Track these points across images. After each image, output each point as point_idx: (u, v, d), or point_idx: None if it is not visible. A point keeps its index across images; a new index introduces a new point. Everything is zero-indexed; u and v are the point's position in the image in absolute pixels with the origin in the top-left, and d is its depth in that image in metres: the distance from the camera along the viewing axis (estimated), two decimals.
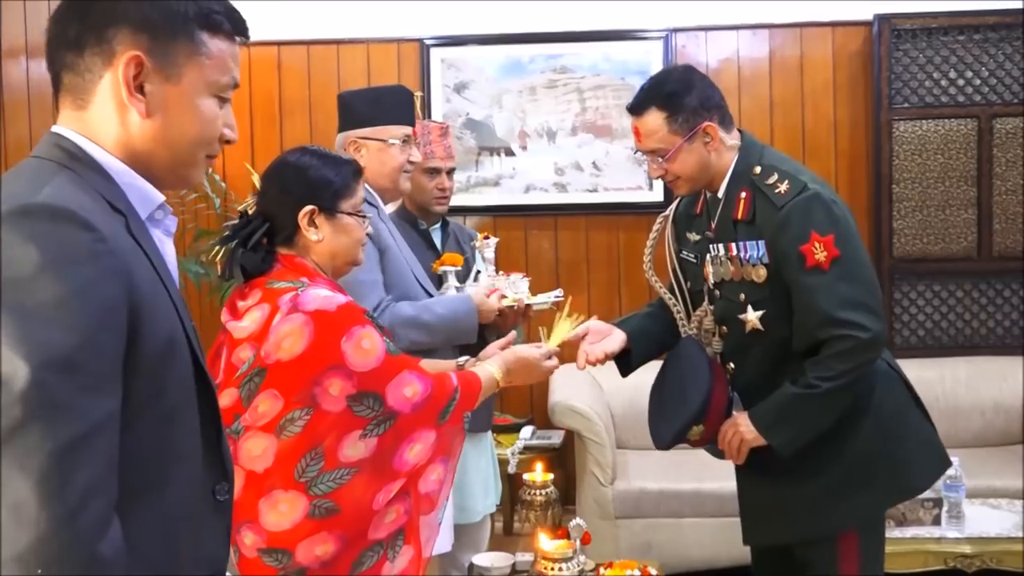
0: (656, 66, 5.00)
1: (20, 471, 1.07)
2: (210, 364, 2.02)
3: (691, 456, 4.61)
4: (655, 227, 2.80)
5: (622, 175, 5.01)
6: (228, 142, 1.38)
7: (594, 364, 2.69)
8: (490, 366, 2.35)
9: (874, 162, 4.93)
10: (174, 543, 1.27)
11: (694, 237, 2.67)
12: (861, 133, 5.02)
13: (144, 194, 1.33)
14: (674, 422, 2.57)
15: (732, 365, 2.58)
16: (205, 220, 4.64)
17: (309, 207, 2.17)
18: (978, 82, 4.87)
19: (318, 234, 2.18)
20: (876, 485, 2.48)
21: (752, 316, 2.47)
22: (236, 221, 2.24)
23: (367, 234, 2.30)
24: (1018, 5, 4.80)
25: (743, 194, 2.48)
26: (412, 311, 2.76)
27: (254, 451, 2.02)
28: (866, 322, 2.35)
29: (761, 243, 2.43)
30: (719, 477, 4.18)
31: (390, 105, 2.89)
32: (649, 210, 5.05)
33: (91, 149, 1.28)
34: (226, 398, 2.05)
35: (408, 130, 2.89)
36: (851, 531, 2.48)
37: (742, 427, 2.48)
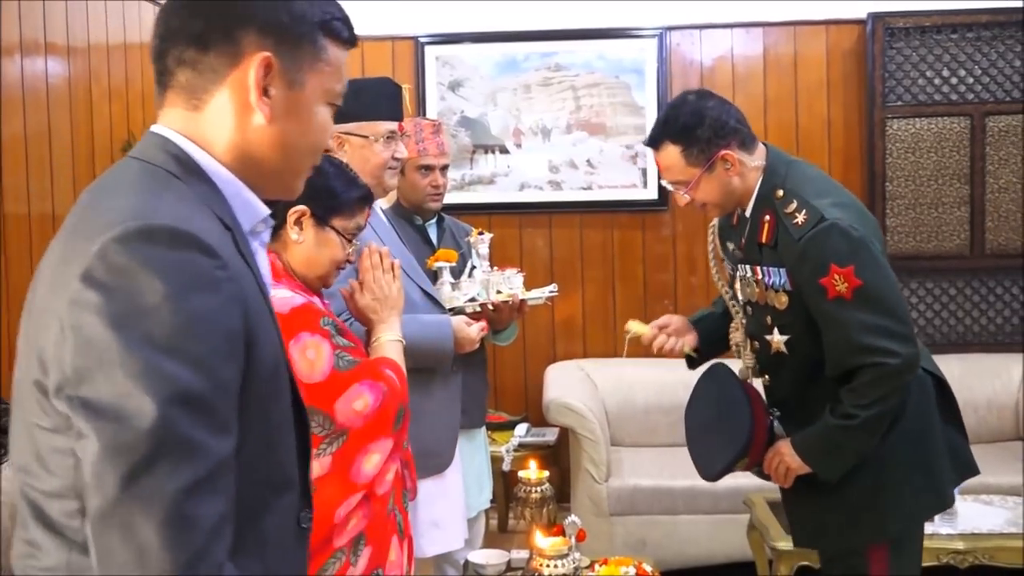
0: (651, 64, 5.01)
1: (145, 512, 1.02)
2: None
3: (685, 453, 4.62)
4: (709, 233, 2.84)
5: (616, 173, 5.02)
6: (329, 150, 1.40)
7: (667, 355, 2.84)
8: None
9: (867, 160, 4.94)
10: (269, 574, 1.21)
11: (731, 247, 2.69)
12: (855, 131, 5.03)
13: (250, 207, 1.27)
14: (721, 457, 2.58)
15: (767, 377, 2.61)
16: None
17: (301, 207, 2.13)
18: (971, 80, 4.89)
19: (300, 236, 2.15)
20: (908, 496, 2.46)
21: (777, 338, 2.50)
22: None
23: (348, 261, 2.24)
24: (1011, 4, 4.81)
25: (767, 217, 2.47)
26: None
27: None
28: (895, 347, 2.33)
29: (783, 271, 2.43)
30: None
31: (374, 99, 2.78)
32: (643, 208, 5.07)
33: (200, 156, 1.22)
34: None
35: (393, 126, 2.79)
36: (882, 544, 2.46)
37: (787, 456, 2.48)
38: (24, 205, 3.48)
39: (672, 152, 2.47)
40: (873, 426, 2.38)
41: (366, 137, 2.74)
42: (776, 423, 2.56)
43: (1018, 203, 4.87)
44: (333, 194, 2.17)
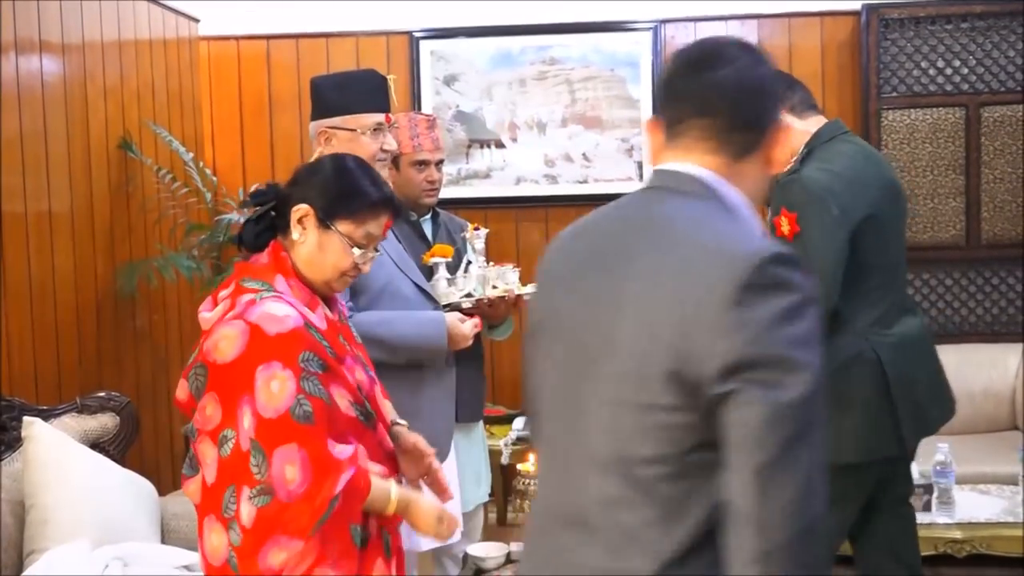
0: (646, 58, 5.02)
1: (792, 473, 1.28)
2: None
3: None
4: None
5: (612, 166, 5.03)
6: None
7: None
8: (393, 488, 2.01)
9: None
10: None
11: None
12: (850, 122, 5.00)
13: None
14: None
15: None
16: (196, 214, 4.64)
17: (304, 206, 2.03)
18: (966, 71, 4.89)
19: (302, 236, 2.04)
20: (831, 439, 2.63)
21: None
22: (263, 187, 2.13)
23: (359, 269, 2.10)
24: None
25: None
26: (372, 324, 2.63)
27: (205, 458, 1.94)
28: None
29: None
30: None
31: (360, 92, 2.77)
32: None
33: (738, 202, 1.47)
34: (181, 391, 1.99)
35: (380, 117, 2.77)
36: None
37: None
38: (20, 204, 3.48)
39: None
40: None
41: (353, 130, 2.73)
42: None
43: (1013, 193, 4.88)
44: (341, 194, 2.05)
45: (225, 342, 1.90)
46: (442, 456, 2.90)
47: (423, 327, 2.76)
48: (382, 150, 2.76)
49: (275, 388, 1.85)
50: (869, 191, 2.76)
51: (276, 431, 1.84)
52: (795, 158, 2.81)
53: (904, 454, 2.86)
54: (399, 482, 2.12)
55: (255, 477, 1.84)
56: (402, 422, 2.28)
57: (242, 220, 2.10)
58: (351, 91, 2.77)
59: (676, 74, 1.51)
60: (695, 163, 1.47)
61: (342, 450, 1.92)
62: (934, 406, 2.90)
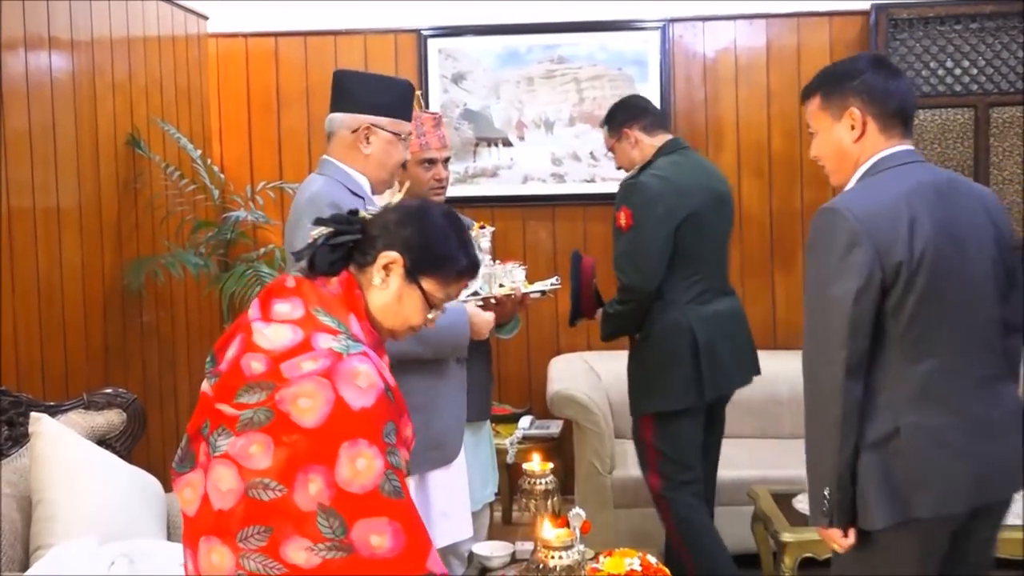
0: (654, 56, 5.01)
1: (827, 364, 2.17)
2: (221, 346, 1.95)
3: None
4: None
5: None
6: None
7: None
8: None
9: None
10: None
11: None
12: None
13: None
14: (571, 313, 3.79)
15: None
16: (203, 211, 4.65)
17: (395, 254, 1.97)
18: (975, 71, 4.88)
19: (384, 284, 1.98)
20: (658, 389, 3.53)
21: None
22: (345, 214, 2.06)
23: (425, 326, 2.07)
24: None
25: None
26: None
27: (221, 484, 1.84)
28: (631, 277, 3.45)
29: None
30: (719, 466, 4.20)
31: (399, 99, 2.84)
32: None
33: None
34: (221, 402, 1.88)
35: (410, 128, 2.89)
36: (648, 416, 3.57)
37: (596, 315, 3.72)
38: (29, 199, 3.49)
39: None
40: (619, 319, 3.58)
41: (396, 135, 2.81)
42: (598, 291, 3.71)
43: (1022, 194, 4.86)
44: (435, 255, 2.00)
45: (306, 403, 1.80)
46: (454, 453, 2.91)
47: (446, 317, 2.78)
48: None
49: (361, 466, 1.80)
50: (693, 196, 3.44)
51: (363, 505, 1.80)
52: (639, 165, 3.54)
53: (702, 404, 3.51)
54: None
55: (323, 535, 1.79)
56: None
57: (314, 236, 2.01)
58: (393, 96, 2.83)
59: None
60: None
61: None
62: (737, 371, 3.62)
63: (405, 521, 1.82)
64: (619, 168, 3.72)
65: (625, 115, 3.62)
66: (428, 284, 2.00)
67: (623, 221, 3.43)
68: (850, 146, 2.35)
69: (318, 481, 1.78)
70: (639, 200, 3.41)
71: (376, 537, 1.79)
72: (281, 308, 1.94)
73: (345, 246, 1.99)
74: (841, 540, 2.23)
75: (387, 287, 1.98)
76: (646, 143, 3.59)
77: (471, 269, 2.07)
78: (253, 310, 1.95)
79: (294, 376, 1.82)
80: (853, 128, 2.34)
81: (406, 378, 2.40)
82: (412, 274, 1.98)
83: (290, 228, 2.73)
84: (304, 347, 1.86)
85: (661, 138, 3.60)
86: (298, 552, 1.79)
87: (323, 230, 2.01)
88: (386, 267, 1.97)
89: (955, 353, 2.22)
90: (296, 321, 1.90)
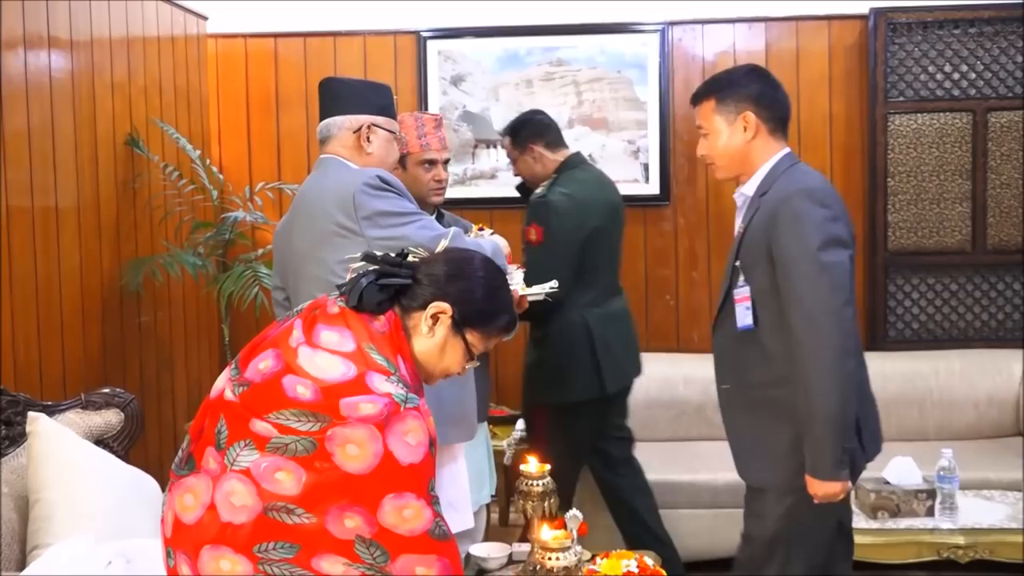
0: (653, 59, 5.02)
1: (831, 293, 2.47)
2: (246, 355, 1.95)
3: (686, 448, 4.64)
4: None
5: (618, 168, 5.02)
6: None
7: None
8: None
9: (869, 155, 4.94)
10: None
11: None
12: (856, 126, 5.03)
13: None
14: None
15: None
16: (202, 211, 4.65)
17: (446, 305, 2.02)
18: (973, 76, 4.89)
19: (431, 332, 2.03)
20: (553, 383, 3.77)
21: None
22: (394, 256, 2.10)
23: (461, 371, 2.12)
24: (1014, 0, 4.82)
25: None
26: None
27: (235, 498, 1.83)
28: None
29: None
30: (714, 468, 4.20)
31: (391, 102, 2.92)
32: (645, 203, 5.07)
33: None
34: (252, 415, 1.87)
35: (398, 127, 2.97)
36: (540, 408, 3.85)
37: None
38: (27, 199, 3.48)
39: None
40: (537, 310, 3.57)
41: (392, 133, 2.88)
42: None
43: (1020, 199, 4.87)
44: (484, 311, 2.08)
45: (354, 450, 1.82)
46: (475, 429, 3.04)
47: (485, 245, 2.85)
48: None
49: (408, 515, 1.85)
50: (596, 211, 3.76)
51: (410, 544, 1.85)
52: (546, 183, 3.80)
53: (608, 396, 3.80)
54: None
55: (361, 559, 1.83)
56: None
57: (355, 268, 2.04)
58: (386, 97, 2.90)
59: None
60: None
61: None
62: (628, 364, 3.94)
63: (454, 559, 1.90)
64: (516, 176, 4.02)
65: (529, 131, 3.88)
66: (472, 336, 2.06)
67: (533, 236, 3.69)
68: (743, 146, 2.70)
69: (356, 519, 1.82)
70: (549, 217, 3.68)
71: (422, 569, 1.86)
72: (328, 337, 1.94)
73: (393, 287, 2.03)
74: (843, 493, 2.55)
75: (433, 335, 2.04)
76: (549, 159, 3.86)
77: (512, 325, 2.16)
78: (297, 332, 1.95)
79: (352, 416, 1.83)
80: (746, 130, 2.69)
81: None
82: (459, 326, 2.04)
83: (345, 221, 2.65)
84: (358, 384, 1.87)
85: (563, 153, 3.89)
86: (335, 565, 1.82)
87: (366, 265, 2.05)
88: (434, 316, 2.03)
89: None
90: (347, 355, 1.91)
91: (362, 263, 2.06)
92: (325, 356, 1.90)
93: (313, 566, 1.82)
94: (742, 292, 2.64)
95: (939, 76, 4.90)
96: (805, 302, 2.47)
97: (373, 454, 1.81)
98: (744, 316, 2.63)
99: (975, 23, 4.87)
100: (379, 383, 1.87)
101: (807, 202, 2.52)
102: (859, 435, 2.61)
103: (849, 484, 2.56)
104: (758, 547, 2.73)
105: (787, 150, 2.74)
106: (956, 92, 4.90)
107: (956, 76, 4.90)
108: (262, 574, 1.83)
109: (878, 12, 4.85)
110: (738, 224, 2.74)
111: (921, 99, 4.90)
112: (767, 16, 5.03)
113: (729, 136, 2.70)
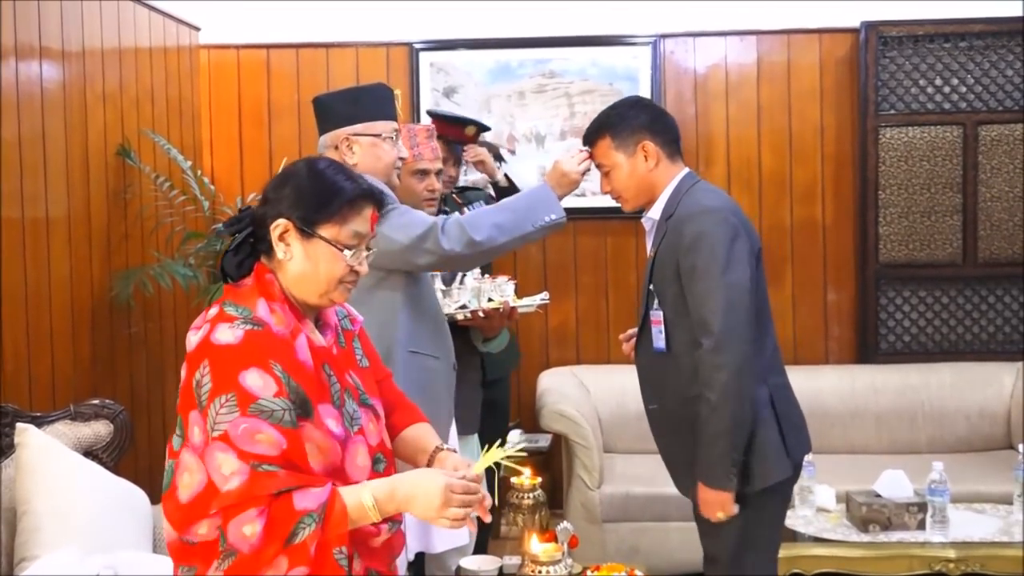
0: (644, 71, 5.03)
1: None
2: None
3: None
4: None
5: None
6: None
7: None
8: (364, 492, 1.87)
9: (860, 168, 4.96)
10: None
11: None
12: (847, 139, 5.04)
13: None
14: None
15: None
16: (193, 222, 4.63)
17: (283, 220, 1.93)
18: (964, 89, 4.91)
19: (288, 253, 1.94)
20: None
21: None
22: (234, 215, 2.03)
23: (356, 272, 1.98)
24: (1004, 13, 4.84)
25: None
26: (474, 213, 2.80)
27: (223, 467, 1.82)
28: None
29: None
30: None
31: (373, 102, 2.84)
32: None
33: None
34: (193, 421, 1.88)
35: (395, 125, 2.86)
36: None
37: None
38: (18, 209, 3.47)
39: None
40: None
41: (376, 136, 2.80)
42: None
43: (1011, 212, 4.88)
44: (317, 199, 1.93)
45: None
46: (476, 423, 3.22)
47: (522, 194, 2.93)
48: (399, 157, 2.85)
49: (225, 471, 1.86)
50: None
51: (229, 506, 1.86)
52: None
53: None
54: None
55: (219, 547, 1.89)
56: (447, 446, 2.22)
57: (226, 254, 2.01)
58: (364, 102, 2.85)
59: None
60: None
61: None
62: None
63: (264, 500, 1.83)
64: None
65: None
66: (327, 231, 1.93)
67: None
68: (646, 175, 2.75)
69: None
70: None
71: (247, 527, 1.82)
72: (197, 321, 1.98)
73: (246, 243, 1.99)
74: (732, 506, 2.59)
75: (292, 255, 1.94)
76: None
77: (363, 195, 1.97)
78: (195, 323, 2.00)
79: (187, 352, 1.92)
80: (647, 159, 2.74)
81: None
82: (306, 230, 1.93)
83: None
84: (205, 343, 1.89)
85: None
86: (216, 569, 1.87)
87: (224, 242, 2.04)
88: (281, 237, 1.93)
89: (772, 332, 2.73)
90: (209, 320, 1.93)
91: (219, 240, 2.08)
92: (191, 333, 1.95)
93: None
94: (656, 315, 2.69)
95: (930, 89, 4.92)
96: (707, 321, 2.53)
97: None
98: (657, 339, 2.69)
99: (966, 37, 4.89)
100: (220, 333, 1.88)
101: (707, 222, 2.58)
102: (783, 439, 2.65)
103: (733, 495, 2.60)
104: (722, 568, 2.76)
105: (686, 170, 2.79)
106: (947, 105, 4.92)
107: (947, 89, 4.92)
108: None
109: (869, 25, 4.87)
110: (649, 248, 2.80)
111: (912, 112, 4.91)
112: (759, 29, 5.04)
113: (632, 168, 2.74)
